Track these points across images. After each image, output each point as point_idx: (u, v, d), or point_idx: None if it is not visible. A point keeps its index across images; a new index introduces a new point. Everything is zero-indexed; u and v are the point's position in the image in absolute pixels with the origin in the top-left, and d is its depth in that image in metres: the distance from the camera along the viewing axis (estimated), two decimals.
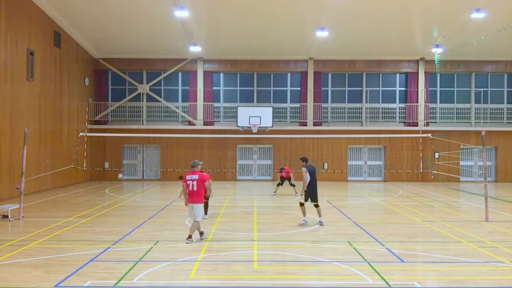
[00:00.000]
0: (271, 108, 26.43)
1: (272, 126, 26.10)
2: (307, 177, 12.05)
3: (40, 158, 20.05)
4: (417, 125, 27.05)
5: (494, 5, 19.99)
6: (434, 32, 23.99)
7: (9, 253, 8.82)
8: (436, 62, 26.33)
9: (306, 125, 27.20)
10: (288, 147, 27.05)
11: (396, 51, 26.82)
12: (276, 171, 24.26)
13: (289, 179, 19.37)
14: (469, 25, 22.07)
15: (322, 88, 27.70)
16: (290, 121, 27.83)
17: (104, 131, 25.90)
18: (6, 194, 16.98)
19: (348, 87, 28.10)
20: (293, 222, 12.43)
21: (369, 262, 8.23)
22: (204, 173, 11.51)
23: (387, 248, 9.37)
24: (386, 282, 7.05)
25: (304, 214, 12.11)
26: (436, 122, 27.81)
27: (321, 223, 12.16)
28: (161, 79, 27.91)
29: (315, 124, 27.24)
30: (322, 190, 21.71)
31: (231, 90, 28.14)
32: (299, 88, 27.88)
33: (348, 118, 27.87)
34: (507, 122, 27.86)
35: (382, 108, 27.88)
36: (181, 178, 11.35)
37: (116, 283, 6.96)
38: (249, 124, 25.72)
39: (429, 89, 27.76)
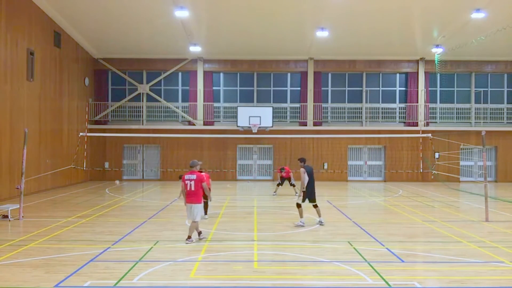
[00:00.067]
0: (271, 108, 26.43)
1: (272, 126, 26.10)
2: (306, 178, 12.02)
3: (40, 158, 20.05)
4: (417, 125, 27.05)
5: (494, 5, 19.99)
6: (434, 32, 23.99)
7: (9, 253, 8.82)
8: (436, 62, 26.33)
9: (306, 125, 27.20)
10: (288, 147, 27.05)
11: (396, 51, 26.82)
12: (276, 171, 24.28)
13: (289, 179, 19.37)
14: (469, 25, 22.07)
15: (322, 88, 27.71)
16: (290, 121, 27.84)
17: (104, 131, 25.90)
18: (6, 194, 16.98)
19: (348, 87, 28.10)
20: (293, 222, 12.42)
21: (369, 262, 8.23)
22: (204, 173, 11.52)
23: (387, 248, 9.37)
24: (386, 282, 7.05)
25: (301, 216, 12.03)
26: (436, 122, 27.81)
27: (321, 223, 12.16)
28: (161, 79, 27.91)
29: (315, 124, 27.24)
30: (322, 190, 21.78)
31: (231, 90, 28.14)
32: (299, 88, 27.88)
33: (348, 118, 27.87)
34: (507, 122, 27.86)
35: (382, 108, 27.88)
36: (181, 177, 11.33)
37: (116, 283, 6.96)
38: (249, 124, 25.72)
39: (429, 89, 27.76)
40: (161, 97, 27.77)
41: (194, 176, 9.98)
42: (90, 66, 26.92)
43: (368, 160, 27.95)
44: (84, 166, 23.64)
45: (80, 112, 25.27)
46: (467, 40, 22.79)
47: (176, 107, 27.77)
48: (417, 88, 27.52)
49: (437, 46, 25.10)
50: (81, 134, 22.50)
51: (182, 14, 20.09)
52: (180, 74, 28.15)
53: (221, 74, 28.17)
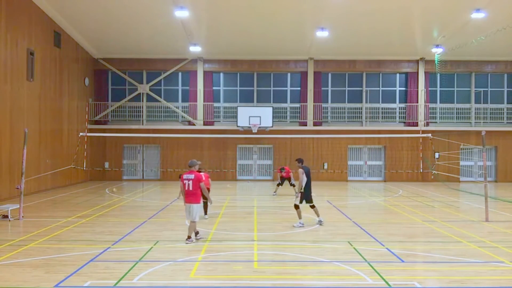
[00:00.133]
0: (271, 108, 26.43)
1: (272, 126, 26.10)
2: (304, 179, 11.99)
3: (40, 158, 20.05)
4: (417, 125, 27.05)
5: (494, 5, 19.99)
6: (434, 32, 23.99)
7: (9, 253, 8.82)
8: (436, 62, 26.33)
9: (306, 125, 27.20)
10: (288, 147, 27.05)
11: (396, 51, 26.82)
12: (276, 171, 24.27)
13: (289, 179, 19.37)
14: (469, 25, 22.07)
15: (322, 88, 27.71)
16: (290, 121, 27.84)
17: (104, 131, 25.90)
18: (6, 194, 16.98)
19: (348, 87, 28.10)
20: (293, 222, 12.41)
21: (369, 262, 8.23)
22: (203, 173, 11.50)
23: (387, 248, 9.37)
24: (386, 282, 7.05)
25: (300, 217, 11.97)
26: (436, 122, 27.81)
27: (320, 223, 12.15)
28: (161, 79, 27.91)
29: (315, 124, 27.24)
30: (322, 190, 21.80)
31: (231, 90, 28.14)
32: (299, 88, 27.88)
33: (348, 118, 27.87)
34: (507, 122, 27.86)
35: (382, 108, 27.88)
36: (180, 177, 11.33)
37: (116, 283, 6.96)
38: (249, 124, 25.72)
39: (429, 89, 27.76)
40: (161, 97, 27.77)
41: (192, 176, 9.95)
42: (90, 66, 26.92)
43: (368, 160, 27.95)
44: (84, 166, 23.64)
45: (80, 112, 25.27)
46: (467, 40, 22.79)
47: (176, 107, 27.77)
48: (417, 88, 27.52)
49: (437, 46, 25.11)
50: (81, 134, 22.50)
51: (182, 14, 20.09)
52: (180, 74, 28.15)
53: (221, 74, 28.17)
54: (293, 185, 19.37)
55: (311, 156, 26.88)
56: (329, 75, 28.14)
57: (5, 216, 12.63)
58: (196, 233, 10.15)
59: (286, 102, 27.99)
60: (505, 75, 28.02)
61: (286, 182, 19.75)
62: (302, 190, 11.98)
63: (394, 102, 28.05)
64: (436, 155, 25.63)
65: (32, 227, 11.64)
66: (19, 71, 18.34)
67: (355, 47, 25.91)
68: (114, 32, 24.16)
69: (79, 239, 10.26)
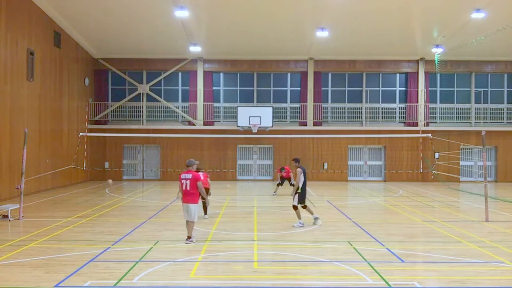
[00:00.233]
0: (271, 108, 26.43)
1: (272, 126, 26.10)
2: (302, 178, 11.98)
3: (40, 158, 20.04)
4: (417, 125, 27.05)
5: (494, 5, 19.99)
6: (434, 32, 23.99)
7: (9, 253, 8.82)
8: (436, 62, 26.33)
9: (306, 125, 27.20)
10: (288, 147, 27.05)
11: (396, 51, 26.82)
12: (276, 171, 24.27)
13: (289, 179, 19.38)
14: (469, 25, 22.07)
15: (322, 88, 27.70)
16: (290, 121, 27.83)
17: (104, 131, 25.90)
18: (6, 194, 16.98)
19: (348, 87, 28.10)
20: (293, 222, 12.40)
21: (369, 262, 8.23)
22: (202, 173, 11.48)
23: (387, 248, 9.37)
24: (386, 282, 7.05)
25: (299, 217, 11.95)
26: (436, 122, 27.81)
27: (317, 219, 12.13)
28: (161, 79, 27.91)
29: (315, 124, 27.24)
30: (322, 190, 21.82)
31: (231, 90, 28.14)
32: (299, 88, 27.88)
33: (348, 118, 27.87)
34: (507, 122, 27.86)
35: (382, 108, 27.88)
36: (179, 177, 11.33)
37: (116, 283, 6.96)
38: (249, 124, 25.72)
39: (429, 89, 27.76)
40: (161, 97, 27.77)
41: (189, 176, 9.91)
42: (90, 66, 26.92)
43: (368, 160, 27.95)
44: (84, 166, 23.64)
45: (80, 112, 25.27)
46: (467, 40, 22.79)
47: (176, 107, 27.77)
48: (417, 88, 27.52)
49: (437, 46, 25.10)
50: (81, 134, 22.50)
51: (182, 14, 20.09)
52: (180, 74, 28.15)
53: (221, 74, 28.17)
54: (293, 185, 19.34)
55: (311, 156, 26.89)
56: (329, 75, 28.14)
57: (5, 216, 12.62)
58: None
59: (286, 102, 27.99)
60: (505, 75, 28.02)
61: (286, 182, 19.76)
62: (300, 191, 11.95)
63: (394, 102, 28.05)
64: (436, 155, 25.64)
65: (32, 227, 11.64)
66: (19, 71, 18.34)
67: (355, 47, 25.91)
68: (114, 32, 24.16)
69: (79, 239, 10.26)
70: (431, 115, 27.83)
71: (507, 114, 27.88)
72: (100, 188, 22.19)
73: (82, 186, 23.38)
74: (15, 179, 17.24)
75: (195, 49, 25.51)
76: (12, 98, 17.72)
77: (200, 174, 12.25)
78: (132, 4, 20.66)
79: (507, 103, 27.95)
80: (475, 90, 27.85)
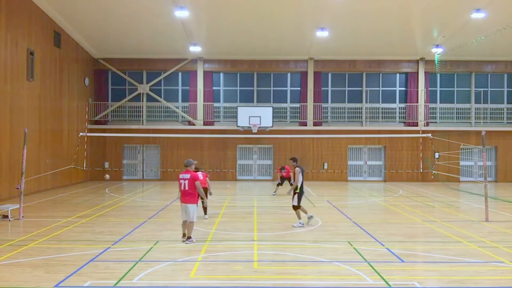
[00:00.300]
0: (271, 108, 26.43)
1: (272, 126, 26.10)
2: (300, 178, 11.98)
3: (40, 158, 20.04)
4: (417, 125, 27.05)
5: (494, 5, 19.99)
6: (434, 32, 23.99)
7: (9, 253, 8.81)
8: (436, 62, 26.33)
9: (306, 125, 27.20)
10: (288, 147, 27.05)
11: (396, 51, 26.82)
12: (276, 171, 24.27)
13: (289, 179, 19.37)
14: (469, 25, 22.07)
15: (322, 88, 27.70)
16: (290, 121, 27.83)
17: (104, 131, 25.90)
18: (6, 194, 16.98)
19: (348, 87, 28.10)
20: (293, 222, 12.40)
21: (369, 262, 8.23)
22: (201, 173, 11.46)
23: (387, 248, 9.37)
24: (386, 282, 7.05)
25: (299, 217, 11.96)
26: (436, 122, 27.81)
27: (311, 217, 12.10)
28: (161, 79, 27.91)
29: (315, 124, 27.24)
30: (322, 190, 21.82)
31: (231, 90, 28.14)
32: (299, 88, 27.88)
33: (348, 118, 27.87)
34: (507, 122, 27.86)
35: (382, 108, 27.88)
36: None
37: (116, 283, 6.96)
38: (249, 124, 25.72)
39: (429, 89, 27.76)
40: (161, 97, 27.77)
41: (188, 176, 9.90)
42: (90, 66, 26.92)
43: (368, 160, 27.95)
44: (84, 166, 23.63)
45: (80, 112, 25.27)
46: (467, 40, 22.79)
47: (176, 107, 27.77)
48: (417, 88, 27.52)
49: (437, 46, 25.10)
50: (81, 134, 22.50)
51: (182, 14, 20.09)
52: (180, 74, 28.15)
53: (221, 74, 28.17)
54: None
55: (311, 156, 26.90)
56: (329, 75, 28.14)
57: (5, 216, 12.62)
58: (184, 235, 10.00)
59: (286, 102, 27.99)
60: (505, 75, 28.02)
61: (286, 182, 19.75)
62: (298, 191, 11.94)
63: (394, 102, 28.05)
64: (436, 155, 25.63)
65: (32, 227, 11.64)
66: (19, 71, 18.34)
67: (355, 47, 25.92)
68: (114, 32, 24.16)
69: (79, 239, 10.26)
70: (431, 115, 27.83)
71: (507, 114, 27.88)
72: (100, 188, 22.19)
73: (82, 186, 23.38)
74: (15, 179, 17.23)
75: (195, 49, 25.51)
76: (12, 98, 17.72)
77: (199, 174, 12.25)
78: (132, 4, 20.66)
79: (507, 103, 27.95)
80: (475, 90, 27.85)
